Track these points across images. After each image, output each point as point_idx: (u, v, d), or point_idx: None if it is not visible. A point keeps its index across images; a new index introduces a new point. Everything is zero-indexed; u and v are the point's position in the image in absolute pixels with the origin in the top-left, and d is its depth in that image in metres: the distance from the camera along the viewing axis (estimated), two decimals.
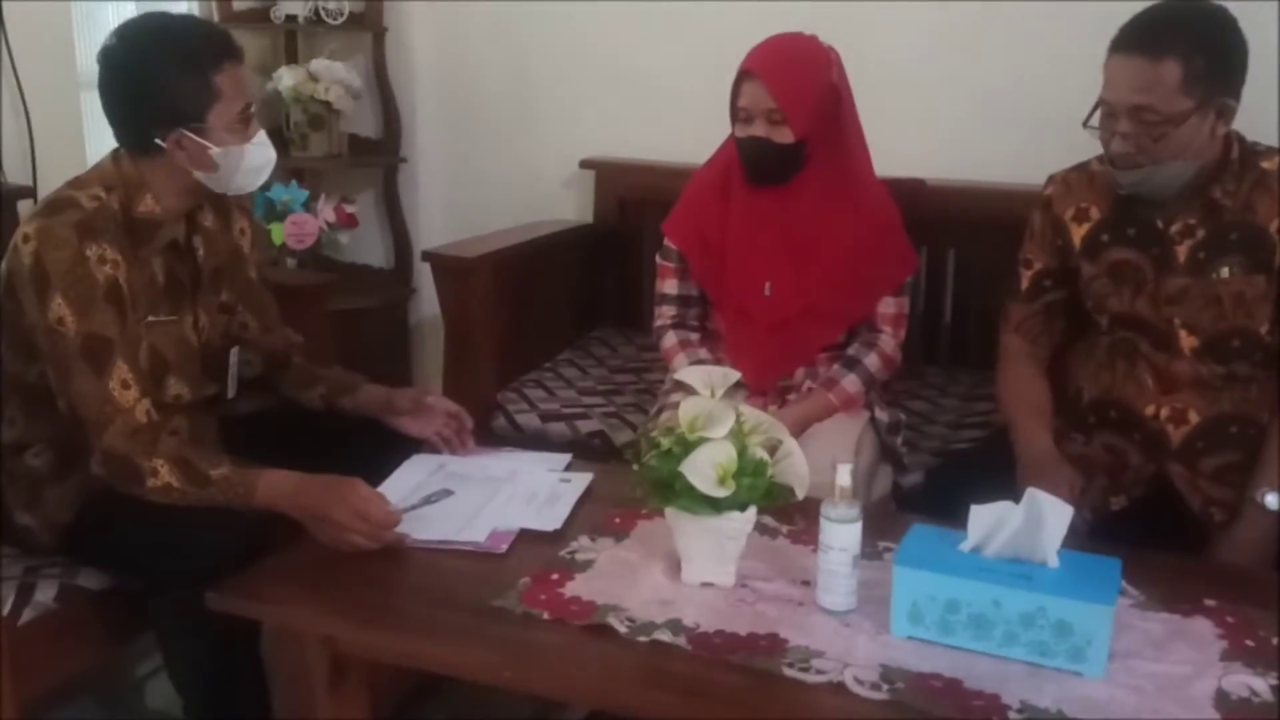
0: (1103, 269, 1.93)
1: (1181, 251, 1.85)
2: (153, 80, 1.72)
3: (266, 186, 3.14)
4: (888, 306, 2.23)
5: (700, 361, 2.26)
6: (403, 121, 3.36)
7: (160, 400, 1.84)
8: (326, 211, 3.21)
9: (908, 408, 2.58)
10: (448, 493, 1.78)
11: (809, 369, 2.24)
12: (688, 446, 1.49)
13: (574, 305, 3.02)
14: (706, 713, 1.31)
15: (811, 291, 2.19)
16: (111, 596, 1.79)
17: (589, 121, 3.20)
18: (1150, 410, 1.88)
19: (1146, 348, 1.89)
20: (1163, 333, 1.87)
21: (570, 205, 3.25)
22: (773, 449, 1.53)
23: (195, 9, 3.20)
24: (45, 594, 1.73)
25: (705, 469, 1.46)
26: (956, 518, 1.51)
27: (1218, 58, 1.74)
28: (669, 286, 2.34)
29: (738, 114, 2.15)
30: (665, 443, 1.52)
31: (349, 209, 3.26)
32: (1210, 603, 1.51)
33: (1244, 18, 1.78)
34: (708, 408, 1.51)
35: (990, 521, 1.42)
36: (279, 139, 3.27)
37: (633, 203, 3.04)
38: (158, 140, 1.73)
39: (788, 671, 1.35)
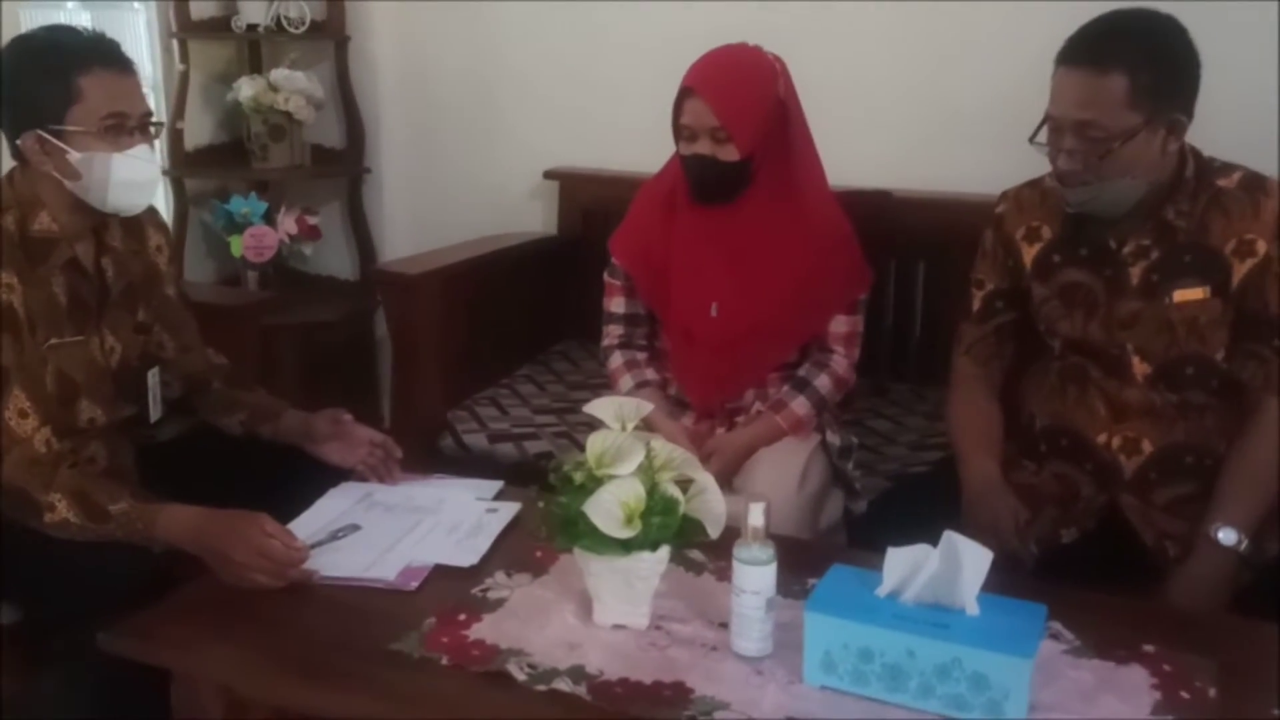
0: (1054, 291, 1.85)
1: (1135, 274, 1.77)
2: (16, 80, 1.69)
3: (225, 198, 3.11)
4: (840, 325, 2.15)
5: (646, 382, 2.20)
6: (367, 131, 3.30)
7: (74, 425, 1.78)
8: (288, 223, 3.16)
9: (870, 427, 2.51)
10: (355, 528, 1.71)
11: (759, 390, 2.16)
12: (596, 483, 1.42)
13: (536, 319, 2.95)
14: None
15: (759, 311, 2.11)
16: (22, 630, 1.73)
17: (554, 131, 3.13)
18: (1102, 439, 1.80)
19: (1098, 374, 1.81)
20: (1115, 358, 1.79)
21: (536, 216, 3.18)
22: (686, 485, 1.45)
23: (150, 18, 3.14)
24: None
25: (610, 508, 1.39)
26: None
27: (1166, 71, 1.66)
28: (616, 305, 2.27)
29: (680, 131, 2.07)
30: (578, 478, 1.45)
31: (311, 220, 3.21)
32: (1149, 649, 1.42)
33: (1244, 18, 1.71)
34: (616, 442, 1.43)
35: (907, 565, 1.34)
36: (240, 150, 3.24)
37: (597, 214, 2.97)
38: (18, 142, 1.68)
39: None
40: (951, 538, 1.32)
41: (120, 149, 1.72)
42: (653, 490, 1.43)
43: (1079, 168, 1.69)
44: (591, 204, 2.98)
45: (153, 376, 1.91)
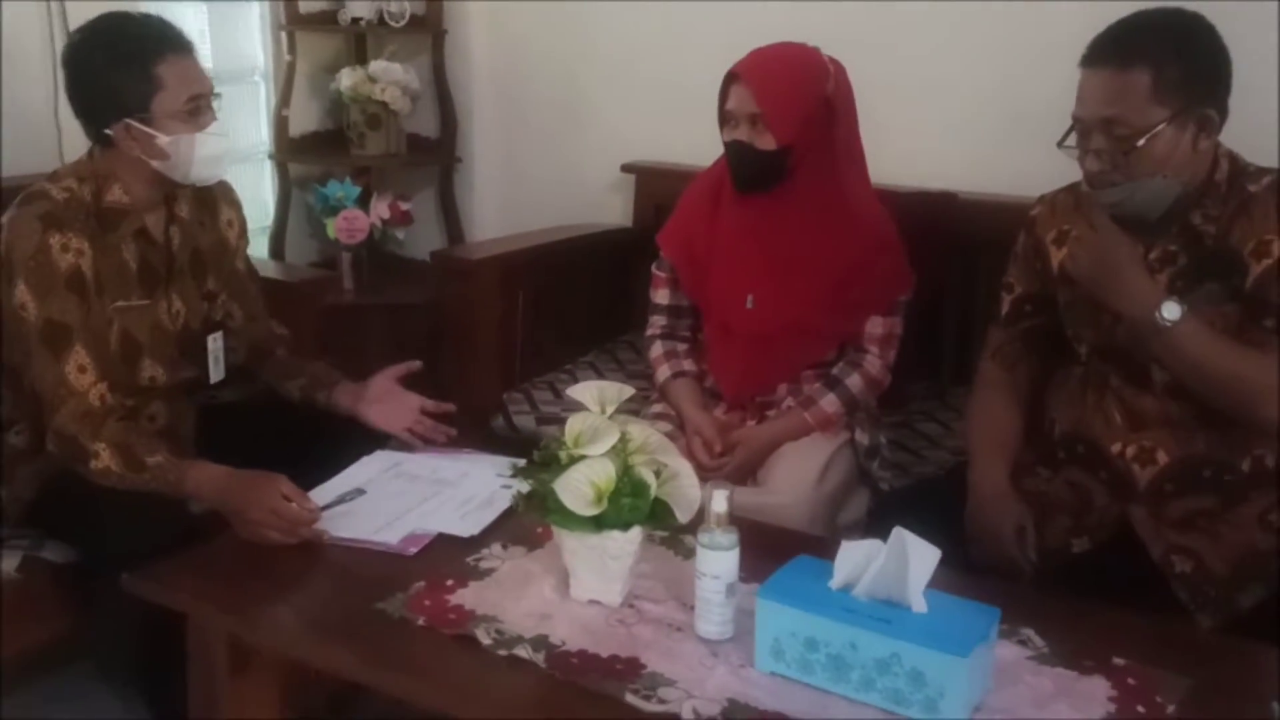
0: (1081, 296, 1.82)
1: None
2: (96, 74, 1.83)
3: (326, 183, 3.28)
4: (876, 326, 2.16)
5: (683, 372, 2.25)
6: (460, 122, 3.42)
7: (135, 383, 1.93)
8: (380, 208, 3.31)
9: (918, 429, 2.49)
10: (359, 492, 1.81)
11: (791, 385, 2.18)
12: (573, 462, 1.48)
13: (605, 308, 3.01)
14: None
15: (795, 307, 2.13)
16: (74, 570, 1.89)
17: (636, 125, 3.19)
18: (1117, 448, 1.76)
19: (1117, 381, 1.78)
20: (1136, 365, 1.75)
21: (615, 208, 3.25)
22: (659, 470, 1.49)
23: (262, 11, 3.33)
24: (8, 563, 1.85)
25: (580, 486, 1.44)
26: None
27: (1193, 64, 1.62)
28: (660, 296, 2.33)
29: (725, 117, 2.12)
30: (562, 456, 1.51)
31: (403, 206, 3.35)
32: (1119, 661, 1.40)
33: (1243, 19, 1.66)
34: (593, 424, 1.49)
35: (858, 559, 1.35)
36: (341, 137, 3.40)
37: (669, 208, 2.98)
38: (107, 131, 1.82)
39: (629, 698, 1.32)
40: (900, 534, 1.33)
41: (201, 128, 1.86)
42: (625, 472, 1.47)
43: (1107, 167, 1.67)
44: (665, 198, 3.01)
45: (213, 341, 2.05)
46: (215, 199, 2.07)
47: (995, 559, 1.72)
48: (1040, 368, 1.93)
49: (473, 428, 2.54)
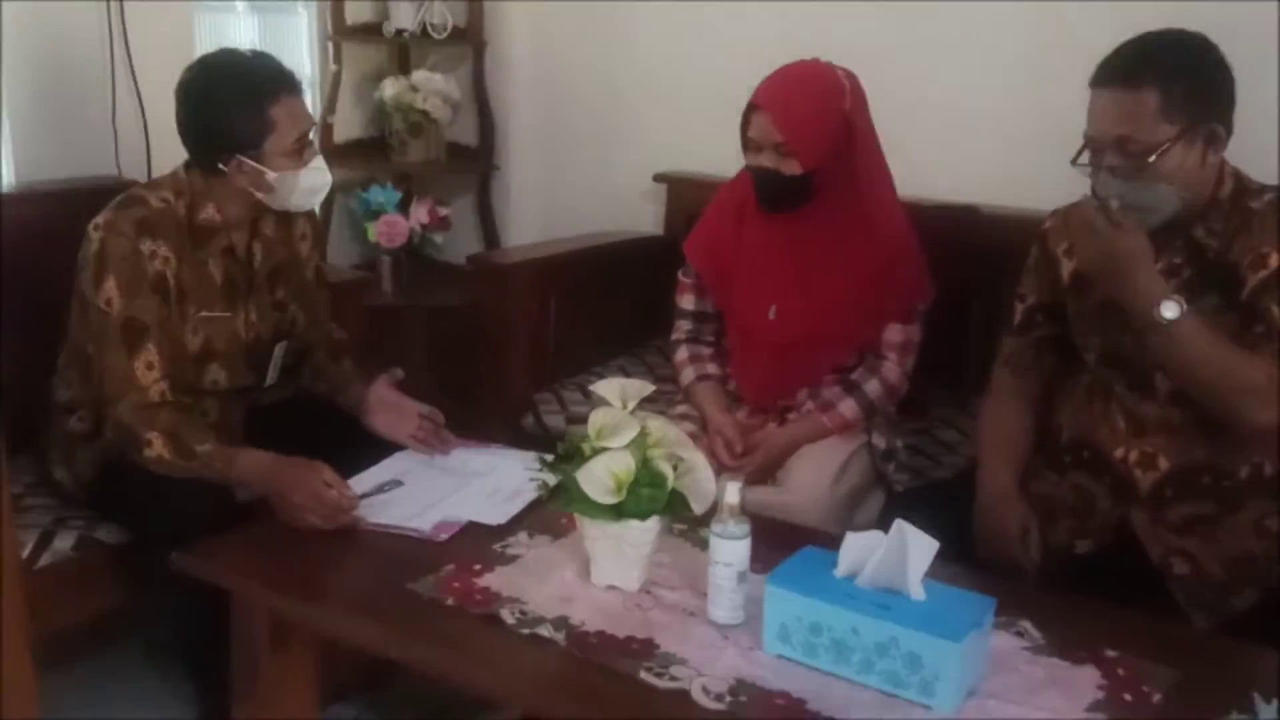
0: (1090, 306, 1.89)
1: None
2: (214, 112, 1.94)
3: (363, 187, 3.40)
4: (894, 334, 2.23)
5: (707, 376, 2.33)
6: (499, 131, 3.53)
7: (199, 385, 2.04)
8: (420, 213, 3.42)
9: (936, 435, 2.56)
10: (398, 483, 1.91)
11: (812, 390, 2.26)
12: (595, 454, 1.57)
13: (636, 313, 3.09)
14: (535, 698, 1.43)
15: (815, 317, 2.21)
16: (127, 550, 2.00)
17: (670, 136, 3.27)
18: (1120, 453, 1.83)
19: (1121, 388, 1.84)
20: (1141, 373, 1.82)
21: (649, 217, 3.34)
22: (677, 463, 1.58)
23: (312, 22, 3.45)
24: (64, 542, 1.96)
25: (601, 477, 1.53)
26: None
27: (1198, 82, 1.70)
28: (686, 302, 2.41)
29: (748, 144, 2.19)
30: (585, 449, 1.60)
31: (442, 212, 3.46)
32: (1111, 654, 1.47)
33: (1243, 19, 1.72)
34: (615, 418, 1.58)
35: (861, 550, 1.43)
36: (384, 144, 3.52)
37: (699, 217, 3.10)
38: (220, 165, 1.94)
39: (642, 675, 1.41)
40: (901, 526, 1.41)
41: (305, 163, 1.99)
42: (645, 464, 1.56)
43: (1121, 183, 1.73)
44: (696, 207, 3.07)
45: (279, 349, 2.15)
46: (294, 215, 2.17)
47: (1000, 557, 1.80)
48: (1050, 375, 2.00)
49: (504, 425, 2.64)
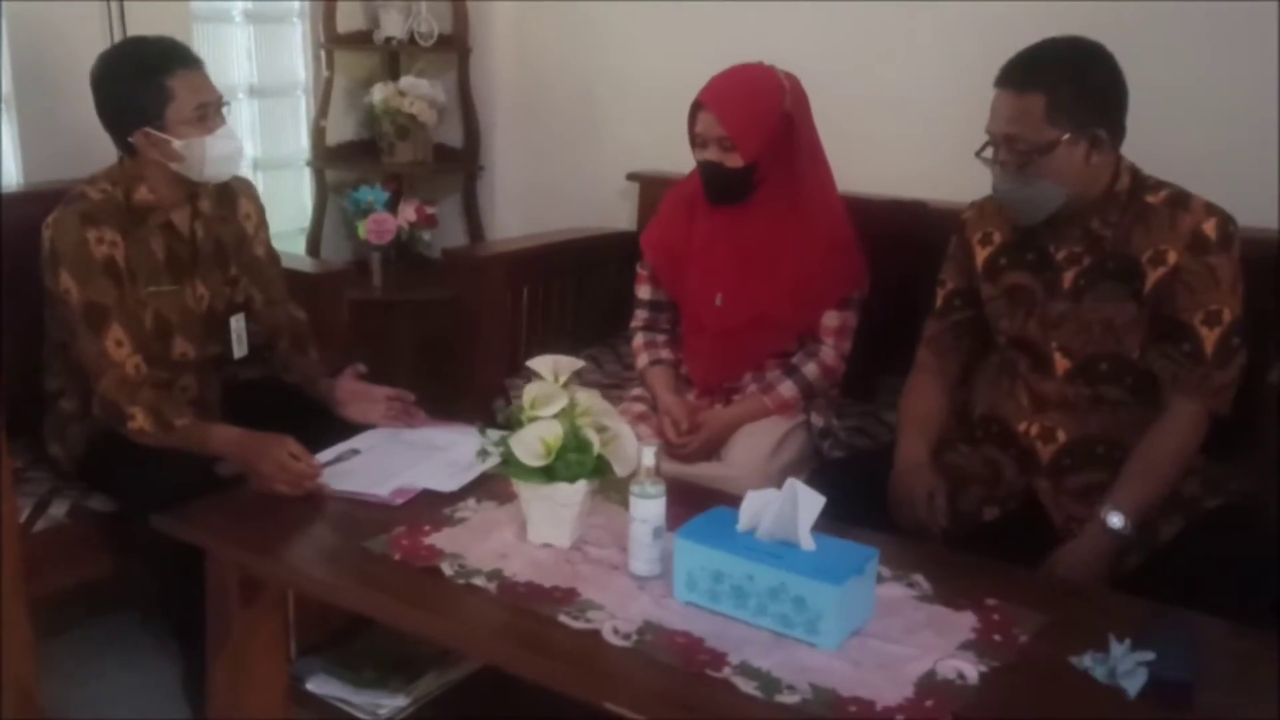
0: (1001, 291, 2.04)
1: (1067, 278, 1.95)
2: (116, 89, 2.12)
3: (354, 187, 3.57)
4: (830, 319, 2.38)
5: (659, 360, 2.49)
6: (483, 133, 3.70)
7: (169, 357, 2.22)
8: (408, 212, 3.59)
9: (884, 420, 2.70)
10: (355, 452, 2.08)
11: (756, 374, 2.41)
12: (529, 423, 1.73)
13: (608, 305, 3.25)
14: (465, 637, 1.60)
15: (758, 304, 2.36)
16: (117, 518, 2.18)
17: (640, 138, 3.43)
18: (1024, 427, 1.98)
19: (1025, 368, 1.99)
20: (1043, 354, 1.97)
21: (623, 214, 3.50)
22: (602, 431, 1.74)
23: (305, 31, 3.63)
24: (58, 510, 2.14)
25: (532, 443, 1.70)
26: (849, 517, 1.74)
27: (1085, 89, 1.84)
28: (643, 292, 2.57)
29: (695, 140, 2.35)
30: (524, 418, 1.77)
31: (429, 210, 3.63)
32: (992, 601, 1.62)
33: (1243, 20, 1.82)
34: (546, 391, 1.74)
35: (759, 506, 1.59)
36: (374, 147, 3.70)
37: None
38: (130, 140, 2.10)
39: (561, 618, 1.57)
40: (792, 484, 1.56)
41: (210, 132, 2.14)
42: (573, 432, 1.72)
43: (1010, 177, 1.88)
44: None
45: (235, 321, 2.33)
46: (235, 195, 2.35)
47: (909, 521, 1.95)
48: (969, 356, 2.15)
49: (476, 409, 2.81)
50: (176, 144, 2.12)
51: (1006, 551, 1.84)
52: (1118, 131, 1.87)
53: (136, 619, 2.54)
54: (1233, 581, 1.71)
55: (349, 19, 3.63)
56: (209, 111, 2.15)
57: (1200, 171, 1.99)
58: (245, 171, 3.53)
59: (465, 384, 2.84)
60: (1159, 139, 2.02)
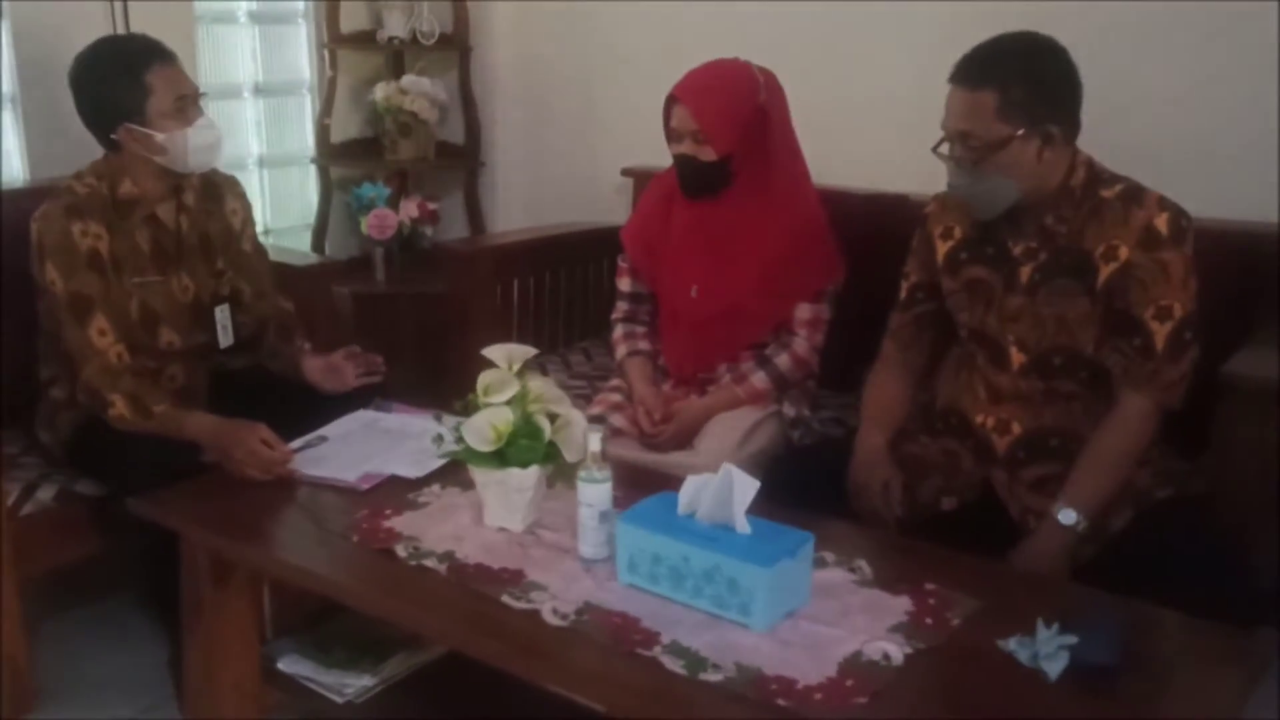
0: (961, 285, 2.06)
1: (1024, 273, 1.96)
2: (96, 87, 2.18)
3: (358, 184, 3.64)
4: (804, 312, 2.41)
5: (637, 351, 2.54)
6: (484, 130, 3.76)
7: (155, 347, 2.29)
8: (409, 208, 3.66)
9: (858, 409, 2.71)
10: (322, 438, 2.14)
11: (730, 365, 2.45)
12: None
13: (599, 298, 3.30)
14: (411, 614, 1.65)
15: (732, 296, 2.40)
16: (103, 502, 2.25)
17: (636, 134, 3.46)
18: (980, 419, 2.00)
19: (983, 361, 2.01)
20: (999, 348, 1.99)
21: (619, 209, 3.54)
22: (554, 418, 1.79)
23: (310, 32, 3.71)
24: (46, 494, 2.21)
25: (482, 429, 1.75)
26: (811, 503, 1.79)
27: (1037, 86, 1.85)
28: (623, 285, 2.62)
29: (670, 134, 2.40)
30: (478, 405, 1.82)
31: (431, 206, 3.70)
32: (930, 586, 1.65)
33: (1244, 20, 1.83)
34: (499, 378, 1.79)
35: (697, 490, 1.62)
36: (378, 144, 3.77)
37: None
38: (113, 136, 2.17)
39: (504, 598, 1.61)
40: (728, 469, 1.60)
41: (190, 123, 2.21)
42: (525, 419, 1.77)
43: (963, 172, 1.91)
44: None
45: (220, 312, 2.39)
46: (221, 191, 2.42)
47: (866, 509, 1.98)
48: (935, 349, 2.17)
49: (464, 398, 2.86)
50: (159, 137, 2.19)
51: (964, 541, 1.86)
52: (1071, 126, 1.88)
53: (132, 601, 2.61)
54: (1181, 571, 1.72)
55: (352, 19, 3.70)
56: (187, 104, 2.21)
57: (1198, 168, 1.99)
58: (251, 169, 3.65)
59: (454, 372, 2.89)
60: (1145, 134, 2.03)
